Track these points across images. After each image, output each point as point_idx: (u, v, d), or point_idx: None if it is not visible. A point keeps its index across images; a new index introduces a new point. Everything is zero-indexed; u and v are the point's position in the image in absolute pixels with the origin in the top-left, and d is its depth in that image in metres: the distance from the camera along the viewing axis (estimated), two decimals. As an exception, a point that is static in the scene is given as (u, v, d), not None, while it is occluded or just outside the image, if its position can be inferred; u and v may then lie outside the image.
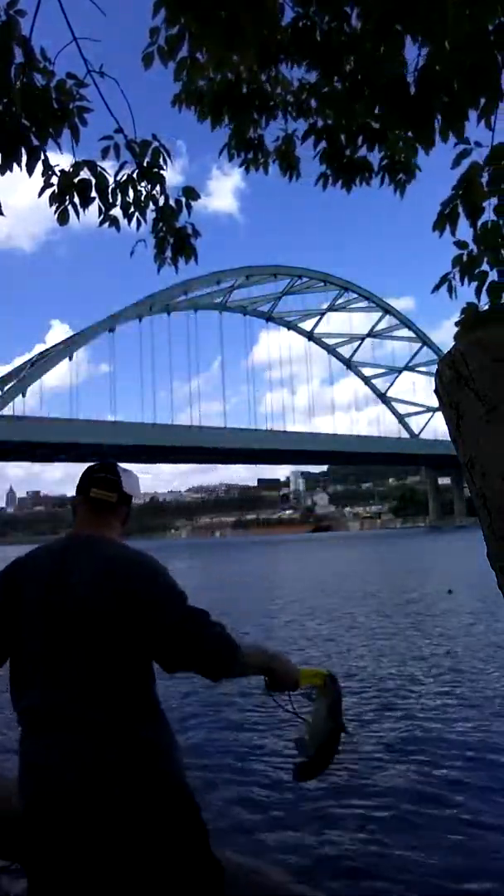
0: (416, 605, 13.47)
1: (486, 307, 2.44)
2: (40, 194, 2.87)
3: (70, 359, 67.41)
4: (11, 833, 3.40)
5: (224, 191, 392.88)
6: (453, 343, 2.40)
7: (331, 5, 2.87)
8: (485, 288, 2.49)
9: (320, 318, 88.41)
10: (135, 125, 3.02)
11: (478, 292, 2.49)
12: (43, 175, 2.83)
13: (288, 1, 3.04)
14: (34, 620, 1.68)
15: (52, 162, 2.84)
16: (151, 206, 3.12)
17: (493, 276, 2.49)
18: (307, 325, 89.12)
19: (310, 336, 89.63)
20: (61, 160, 2.89)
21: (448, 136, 2.59)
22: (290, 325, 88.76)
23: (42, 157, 2.76)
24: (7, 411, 61.82)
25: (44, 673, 1.64)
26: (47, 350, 70.86)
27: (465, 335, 2.34)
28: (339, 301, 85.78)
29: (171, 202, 3.17)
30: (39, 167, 2.79)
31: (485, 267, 2.52)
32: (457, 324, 2.36)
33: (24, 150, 2.70)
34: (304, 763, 1.94)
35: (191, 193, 3.21)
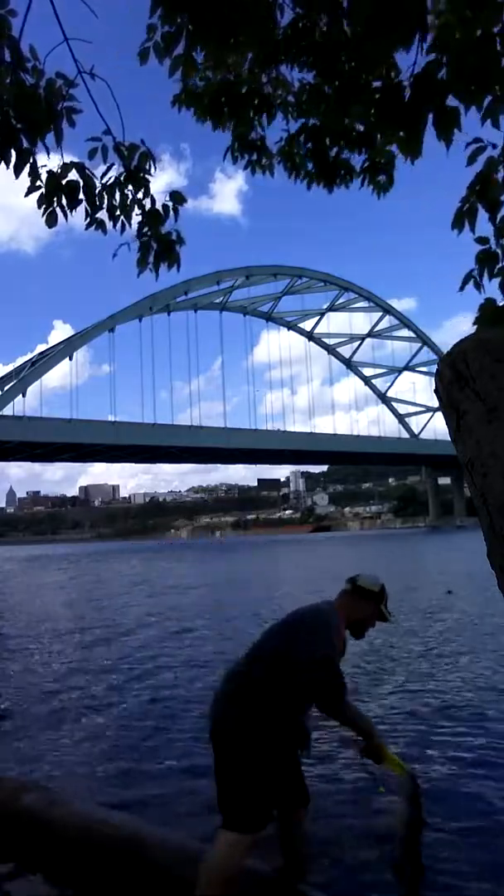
0: (416, 605, 13.46)
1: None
2: (27, 195, 2.85)
3: (70, 359, 67.41)
4: (11, 833, 3.40)
5: (227, 194, 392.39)
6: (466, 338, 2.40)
7: (329, 5, 2.87)
8: None
9: (320, 318, 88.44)
10: (123, 128, 3.01)
11: (502, 287, 2.49)
12: (29, 175, 2.81)
13: (287, 1, 3.04)
14: None
15: (39, 163, 2.82)
16: (137, 210, 3.11)
17: None
18: (307, 325, 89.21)
19: (310, 336, 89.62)
20: (48, 161, 2.87)
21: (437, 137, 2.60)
22: (291, 326, 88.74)
23: (31, 160, 2.75)
24: (7, 411, 61.80)
25: None
26: (48, 350, 70.85)
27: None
28: (339, 301, 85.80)
29: (158, 207, 3.16)
30: (26, 168, 2.78)
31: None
32: (475, 322, 2.36)
33: (13, 151, 2.69)
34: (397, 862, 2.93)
35: (178, 198, 3.19)
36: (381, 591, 3.07)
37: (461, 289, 2.62)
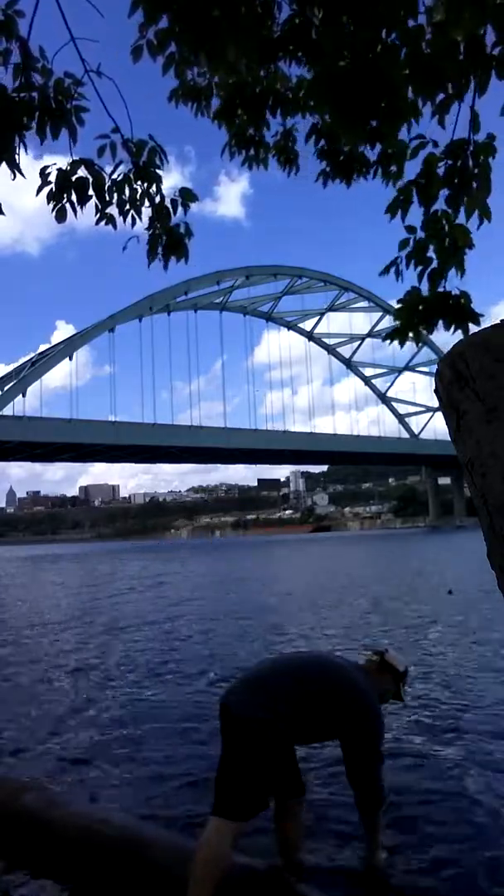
0: (418, 604, 13.47)
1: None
2: (38, 192, 2.87)
3: (70, 359, 67.39)
4: (11, 833, 3.40)
5: (231, 197, 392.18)
6: (425, 337, 2.48)
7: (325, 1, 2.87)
8: (426, 273, 2.56)
9: (320, 319, 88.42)
10: (131, 125, 3.03)
11: (420, 277, 2.55)
12: (40, 175, 2.83)
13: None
14: None
15: (50, 161, 2.84)
16: (147, 204, 3.13)
17: (435, 263, 2.55)
18: (307, 325, 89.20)
19: (310, 336, 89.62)
20: (59, 160, 2.90)
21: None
22: (291, 326, 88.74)
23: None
24: (7, 411, 61.80)
25: None
26: (48, 350, 70.86)
27: (403, 315, 2.43)
28: (340, 301, 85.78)
29: (167, 202, 3.18)
30: (34, 168, 2.80)
31: (430, 254, 2.58)
32: (398, 301, 2.45)
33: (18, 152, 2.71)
34: None
35: (188, 195, 3.20)
36: (405, 671, 3.25)
37: (383, 273, 2.68)
